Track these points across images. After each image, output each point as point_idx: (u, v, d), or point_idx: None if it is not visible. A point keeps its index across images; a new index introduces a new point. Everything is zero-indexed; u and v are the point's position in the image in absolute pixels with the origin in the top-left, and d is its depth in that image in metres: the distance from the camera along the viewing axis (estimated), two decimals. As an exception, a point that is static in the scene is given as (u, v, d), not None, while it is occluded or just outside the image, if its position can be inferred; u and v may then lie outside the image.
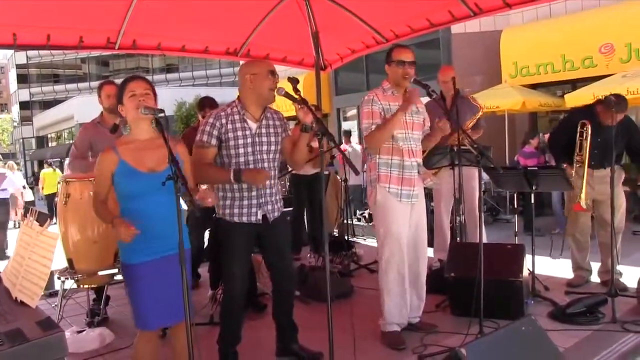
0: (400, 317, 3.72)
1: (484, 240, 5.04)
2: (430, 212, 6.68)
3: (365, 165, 3.98)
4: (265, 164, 3.25)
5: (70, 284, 4.27)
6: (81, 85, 49.70)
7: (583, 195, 4.50)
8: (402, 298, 3.71)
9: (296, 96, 2.92)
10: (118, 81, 3.10)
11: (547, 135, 6.53)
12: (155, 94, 2.68)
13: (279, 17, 5.52)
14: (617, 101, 4.35)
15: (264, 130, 3.26)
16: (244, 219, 3.23)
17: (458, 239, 4.86)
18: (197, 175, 3.24)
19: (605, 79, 8.61)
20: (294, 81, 2.90)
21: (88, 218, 3.85)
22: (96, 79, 45.78)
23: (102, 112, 4.50)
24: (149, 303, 2.62)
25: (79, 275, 4.07)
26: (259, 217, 3.25)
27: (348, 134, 12.27)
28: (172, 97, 28.17)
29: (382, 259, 3.69)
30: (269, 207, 3.29)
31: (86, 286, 4.28)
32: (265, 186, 3.24)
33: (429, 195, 7.16)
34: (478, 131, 5.36)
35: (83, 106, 29.59)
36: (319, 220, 6.36)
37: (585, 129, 4.54)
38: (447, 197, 5.20)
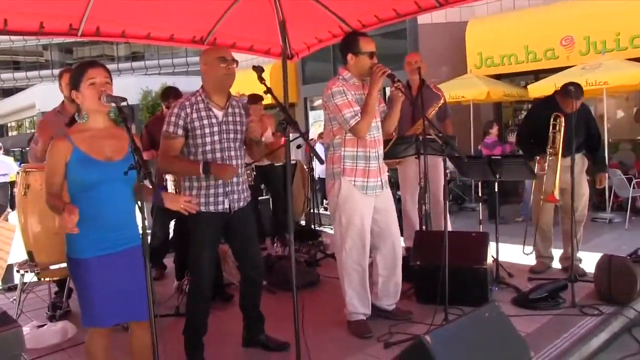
0: (363, 307, 3.74)
1: (450, 228, 5.12)
2: (397, 201, 6.75)
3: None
4: (232, 152, 3.25)
5: (30, 277, 4.17)
6: (43, 72, 48.27)
7: (557, 189, 4.60)
8: (363, 288, 3.73)
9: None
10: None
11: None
12: (111, 81, 2.57)
13: (245, 5, 5.45)
14: (575, 89, 4.51)
15: (230, 119, 3.25)
16: (211, 208, 3.21)
17: (424, 227, 4.91)
18: (165, 166, 3.23)
19: (565, 70, 8.80)
20: (258, 69, 2.88)
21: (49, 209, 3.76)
22: (59, 66, 44.56)
23: (63, 101, 4.39)
24: (102, 299, 2.49)
25: (40, 268, 3.98)
26: (226, 206, 3.24)
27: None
28: (137, 85, 27.70)
29: (343, 250, 3.69)
30: (235, 196, 3.28)
31: (47, 279, 4.18)
32: (238, 174, 3.25)
33: (395, 183, 7.23)
34: (447, 122, 5.36)
35: (45, 94, 28.82)
36: (282, 209, 6.35)
37: (558, 121, 4.60)
38: (413, 185, 5.22)
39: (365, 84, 3.66)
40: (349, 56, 3.63)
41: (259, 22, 5.77)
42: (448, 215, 3.96)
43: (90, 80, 2.49)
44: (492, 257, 4.43)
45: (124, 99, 2.41)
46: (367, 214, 3.66)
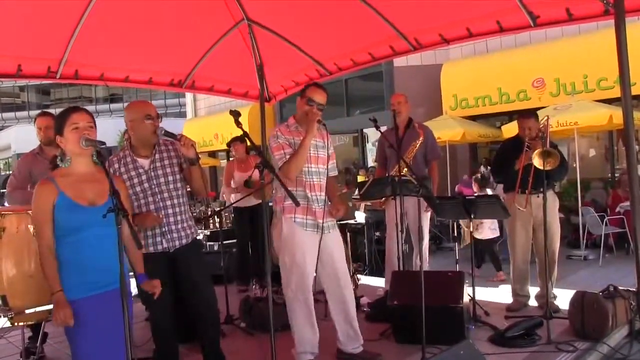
0: (311, 346, 3.72)
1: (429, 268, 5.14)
2: (376, 241, 6.81)
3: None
4: (166, 194, 3.39)
5: (3, 322, 4.08)
6: (19, 114, 47.99)
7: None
8: (311, 326, 3.72)
9: (177, 135, 3.20)
10: (59, 111, 3.03)
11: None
12: (95, 126, 2.63)
13: (224, 49, 5.57)
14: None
15: (158, 164, 3.40)
16: (151, 249, 3.34)
17: (401, 267, 4.93)
18: None
19: (538, 111, 9.01)
20: (235, 114, 2.96)
21: (24, 252, 3.71)
22: (36, 107, 44.38)
23: (40, 144, 4.41)
24: (90, 341, 2.50)
25: (14, 312, 3.90)
26: (165, 245, 3.36)
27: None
28: (115, 127, 27.62)
29: (289, 289, 3.70)
30: (174, 235, 3.40)
31: (21, 323, 4.10)
32: (160, 223, 3.34)
33: (374, 224, 7.28)
34: (433, 164, 5.41)
35: (21, 136, 28.62)
36: (262, 250, 6.33)
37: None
38: (394, 226, 5.26)
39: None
40: (298, 99, 3.78)
41: (237, 65, 5.89)
42: (427, 254, 4.01)
43: (74, 125, 2.54)
44: (469, 295, 4.47)
45: (103, 143, 2.46)
46: (310, 252, 3.66)
